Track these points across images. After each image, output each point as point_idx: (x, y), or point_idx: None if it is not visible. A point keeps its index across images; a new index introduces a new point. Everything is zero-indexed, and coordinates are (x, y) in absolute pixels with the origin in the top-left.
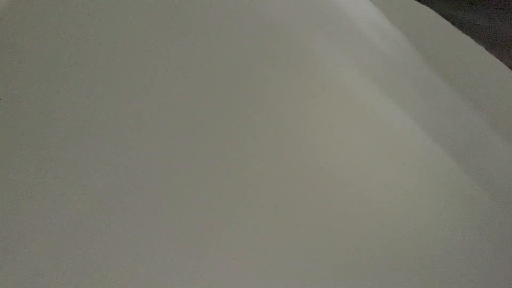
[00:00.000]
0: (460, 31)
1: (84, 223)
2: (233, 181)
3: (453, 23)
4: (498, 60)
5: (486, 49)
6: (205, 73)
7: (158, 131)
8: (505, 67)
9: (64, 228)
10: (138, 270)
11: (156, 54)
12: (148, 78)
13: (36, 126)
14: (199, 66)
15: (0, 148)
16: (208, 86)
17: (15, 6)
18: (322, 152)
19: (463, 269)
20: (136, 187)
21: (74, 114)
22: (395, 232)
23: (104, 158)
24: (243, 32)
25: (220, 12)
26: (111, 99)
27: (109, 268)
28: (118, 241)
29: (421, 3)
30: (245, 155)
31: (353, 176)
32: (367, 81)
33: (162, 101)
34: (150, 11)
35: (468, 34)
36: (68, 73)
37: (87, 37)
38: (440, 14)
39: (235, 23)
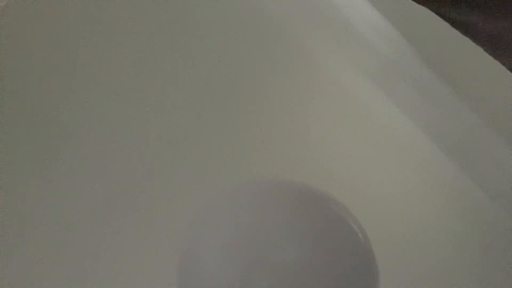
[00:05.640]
0: (458, 32)
1: (83, 225)
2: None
3: (451, 23)
4: (497, 61)
5: (485, 49)
6: (204, 73)
7: (160, 131)
8: (503, 68)
9: (63, 229)
10: (138, 271)
11: (157, 54)
12: (149, 78)
13: (35, 126)
14: (199, 66)
15: None
16: (207, 86)
17: (15, 6)
18: (321, 151)
19: (461, 269)
20: (136, 189)
21: (74, 114)
22: (394, 232)
23: (103, 159)
24: (243, 33)
25: (221, 13)
26: (111, 99)
27: (109, 268)
28: (118, 243)
29: (420, 4)
30: (245, 155)
31: (352, 176)
32: (366, 81)
33: (162, 101)
34: (151, 11)
35: (466, 34)
36: (68, 73)
37: (88, 37)
38: (438, 15)
39: (236, 23)
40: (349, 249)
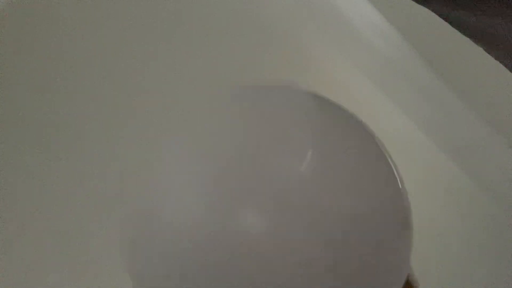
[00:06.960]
0: (459, 32)
1: (82, 224)
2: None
3: (452, 24)
4: (497, 61)
5: (485, 50)
6: (203, 73)
7: (159, 132)
8: (504, 68)
9: (62, 228)
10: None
11: (157, 54)
12: (149, 78)
13: (34, 126)
14: (198, 66)
15: None
16: (204, 87)
17: (15, 6)
18: None
19: (460, 269)
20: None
21: (73, 114)
22: None
23: (103, 158)
24: (243, 33)
25: (221, 13)
26: (111, 99)
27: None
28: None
29: (420, 4)
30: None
31: None
32: (366, 81)
33: (162, 101)
34: (151, 10)
35: (467, 35)
36: (68, 73)
37: (88, 37)
38: (438, 15)
39: (235, 24)
40: (378, 181)
